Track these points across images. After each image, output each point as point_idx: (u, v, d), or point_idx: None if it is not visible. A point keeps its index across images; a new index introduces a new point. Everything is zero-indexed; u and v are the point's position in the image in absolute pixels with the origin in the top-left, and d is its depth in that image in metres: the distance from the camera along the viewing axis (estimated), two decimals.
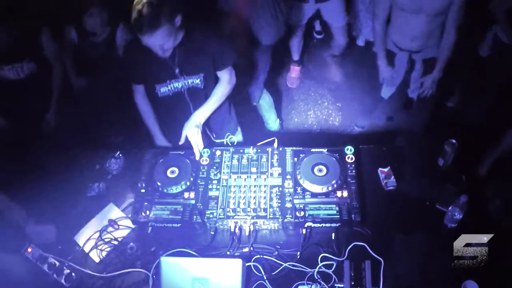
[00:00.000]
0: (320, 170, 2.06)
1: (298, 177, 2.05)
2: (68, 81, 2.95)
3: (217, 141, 2.44)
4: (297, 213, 1.94)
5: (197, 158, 2.17)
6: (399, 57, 2.70)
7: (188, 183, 2.09)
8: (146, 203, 2.04)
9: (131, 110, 2.44)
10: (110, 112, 3.11)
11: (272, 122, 3.51)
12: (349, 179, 2.03)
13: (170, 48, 2.01)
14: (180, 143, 2.19)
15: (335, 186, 2.00)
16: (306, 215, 1.94)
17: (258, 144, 2.21)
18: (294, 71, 3.89)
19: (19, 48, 2.62)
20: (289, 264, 1.88)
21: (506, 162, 2.51)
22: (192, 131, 2.16)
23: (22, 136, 2.80)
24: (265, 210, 1.97)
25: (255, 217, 1.96)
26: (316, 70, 4.02)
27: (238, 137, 2.58)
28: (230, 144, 2.32)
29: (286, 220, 1.94)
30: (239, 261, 1.77)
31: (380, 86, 2.92)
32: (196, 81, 2.20)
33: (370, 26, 3.57)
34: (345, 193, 1.98)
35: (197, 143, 2.16)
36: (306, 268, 1.86)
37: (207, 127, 2.38)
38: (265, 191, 2.03)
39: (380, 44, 2.70)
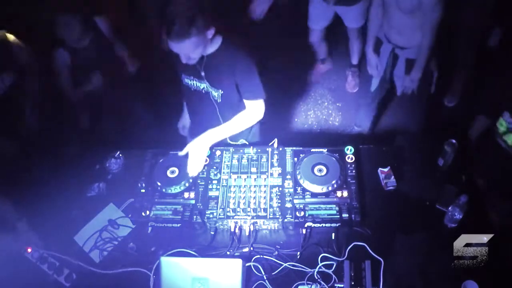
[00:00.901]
0: (320, 170, 2.06)
1: (298, 177, 2.05)
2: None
3: (230, 142, 2.35)
4: (297, 213, 1.94)
5: (190, 175, 2.09)
6: (384, 48, 2.72)
7: (188, 183, 2.08)
8: (146, 203, 2.04)
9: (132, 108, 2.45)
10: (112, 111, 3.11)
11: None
12: (349, 179, 2.03)
13: (196, 58, 1.95)
14: (180, 154, 2.13)
15: (335, 186, 2.00)
16: (306, 215, 1.94)
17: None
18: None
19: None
20: (289, 264, 1.88)
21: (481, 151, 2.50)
22: (196, 151, 2.08)
23: (22, 136, 2.80)
24: (265, 210, 1.97)
25: (255, 217, 1.96)
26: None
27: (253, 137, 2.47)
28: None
29: (286, 220, 1.94)
30: (239, 261, 1.77)
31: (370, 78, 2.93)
32: (215, 93, 2.13)
33: None
34: (345, 193, 1.98)
35: (195, 162, 2.09)
36: (306, 268, 1.86)
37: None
38: (265, 191, 2.03)
39: (373, 29, 2.71)
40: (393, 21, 2.53)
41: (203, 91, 2.17)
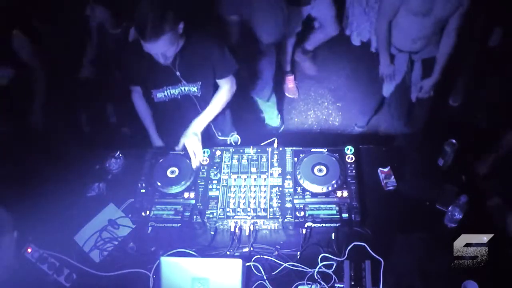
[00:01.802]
0: (320, 170, 2.06)
1: (298, 177, 2.05)
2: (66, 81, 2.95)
3: (221, 138, 2.43)
4: (297, 213, 1.94)
5: (194, 167, 2.13)
6: (399, 58, 2.70)
7: (188, 183, 2.08)
8: (146, 203, 2.04)
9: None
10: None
11: (274, 118, 3.50)
12: (349, 179, 2.03)
13: (172, 56, 2.00)
14: (177, 149, 2.17)
15: (335, 186, 2.00)
16: (306, 215, 1.94)
17: (262, 144, 2.21)
18: (290, 81, 3.84)
19: None
20: (289, 264, 1.88)
21: (505, 161, 2.51)
22: (190, 139, 2.13)
23: (21, 136, 2.81)
24: (265, 210, 1.97)
25: (255, 217, 1.96)
26: (316, 69, 4.02)
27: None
28: (233, 144, 2.31)
29: (286, 220, 1.94)
30: (239, 261, 1.77)
31: (379, 84, 2.91)
32: (193, 89, 2.18)
33: (366, 26, 3.60)
34: (345, 193, 1.98)
35: (195, 152, 2.13)
36: (306, 268, 1.86)
37: (212, 124, 2.35)
38: (265, 191, 2.03)
39: (383, 43, 2.68)
40: (409, 30, 2.51)
41: (179, 96, 2.20)
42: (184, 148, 2.15)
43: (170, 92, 2.18)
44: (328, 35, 3.62)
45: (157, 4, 1.84)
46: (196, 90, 2.19)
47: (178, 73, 2.12)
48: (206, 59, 2.12)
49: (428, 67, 2.67)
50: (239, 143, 2.34)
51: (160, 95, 2.19)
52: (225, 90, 2.26)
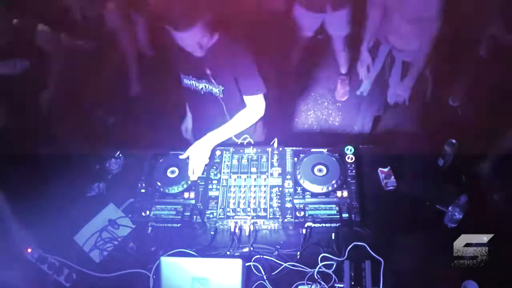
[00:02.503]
0: (320, 170, 2.06)
1: (298, 177, 2.05)
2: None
3: (234, 139, 2.32)
4: (297, 213, 1.94)
5: (191, 178, 2.09)
6: (382, 49, 2.73)
7: (188, 183, 2.09)
8: (146, 203, 2.04)
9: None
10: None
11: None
12: (349, 179, 2.03)
13: (207, 46, 1.94)
14: (181, 157, 2.13)
15: (335, 186, 2.00)
16: (306, 215, 1.94)
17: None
18: (345, 84, 3.81)
19: (12, 44, 2.59)
20: (289, 264, 1.88)
21: (505, 161, 2.50)
22: (197, 154, 2.08)
23: (22, 135, 2.80)
24: (265, 210, 1.97)
25: (255, 217, 1.96)
26: (316, 70, 4.02)
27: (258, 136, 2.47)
28: (244, 143, 2.27)
29: (286, 220, 1.94)
30: (239, 261, 1.77)
31: (380, 88, 2.92)
32: (215, 90, 2.13)
33: None
34: (345, 193, 1.98)
35: (196, 165, 2.08)
36: (306, 268, 1.86)
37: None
38: (265, 191, 2.03)
39: (370, 30, 2.72)
40: (393, 25, 2.53)
41: (202, 91, 2.17)
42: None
43: (194, 84, 2.16)
44: (336, 52, 3.60)
45: None
46: (218, 92, 2.13)
47: (208, 71, 2.07)
48: (230, 66, 2.04)
49: (407, 70, 2.68)
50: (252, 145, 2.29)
51: (186, 81, 2.17)
52: (247, 110, 2.14)
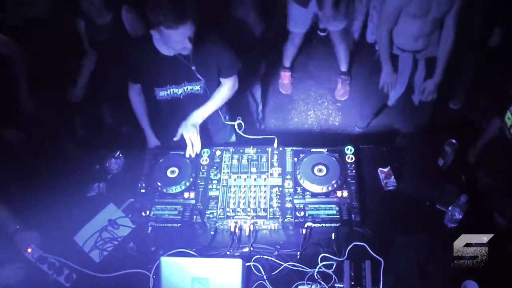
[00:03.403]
0: (320, 170, 2.05)
1: (298, 177, 2.05)
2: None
3: (227, 123, 2.39)
4: (297, 213, 1.94)
5: (187, 155, 2.15)
6: (403, 59, 2.69)
7: (188, 183, 2.08)
8: (146, 203, 2.04)
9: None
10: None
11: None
12: (349, 179, 2.03)
13: (190, 44, 1.96)
14: (175, 139, 2.15)
15: (335, 186, 2.00)
16: (306, 215, 1.94)
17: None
18: (286, 77, 3.82)
19: None
20: (289, 264, 1.88)
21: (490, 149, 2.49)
22: (188, 129, 2.13)
23: (21, 137, 2.81)
24: (265, 210, 1.97)
25: (255, 217, 1.95)
26: (316, 70, 4.02)
27: (232, 139, 2.55)
28: (238, 131, 2.26)
29: (286, 220, 1.94)
30: (239, 261, 1.77)
31: (381, 91, 2.90)
32: (196, 87, 2.18)
33: (370, 27, 3.59)
34: (345, 193, 1.98)
35: (192, 142, 2.13)
36: (306, 268, 1.86)
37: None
38: (265, 191, 2.03)
39: (385, 49, 2.67)
40: (411, 30, 2.52)
41: (181, 96, 2.20)
42: (183, 141, 2.13)
43: (173, 91, 2.18)
44: (337, 47, 3.56)
45: None
46: (199, 89, 2.19)
47: (193, 67, 2.09)
48: (213, 56, 2.11)
49: (431, 66, 2.66)
50: (243, 128, 2.29)
51: (163, 93, 2.18)
52: (228, 87, 2.25)
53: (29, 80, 2.71)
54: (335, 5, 3.08)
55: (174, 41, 1.90)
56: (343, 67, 3.70)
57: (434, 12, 2.41)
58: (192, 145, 2.14)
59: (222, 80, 2.23)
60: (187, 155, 2.16)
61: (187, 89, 2.18)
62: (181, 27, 1.84)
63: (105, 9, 2.69)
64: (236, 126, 2.25)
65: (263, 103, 3.59)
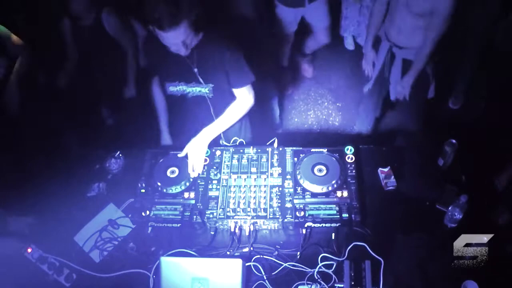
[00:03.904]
0: (320, 170, 2.06)
1: (298, 177, 2.05)
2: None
3: (224, 143, 2.40)
4: (297, 213, 1.94)
5: (191, 176, 2.10)
6: (382, 46, 2.71)
7: (190, 181, 2.09)
8: (146, 203, 2.04)
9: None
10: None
11: None
12: (349, 179, 2.03)
13: (192, 45, 1.95)
14: (179, 155, 2.14)
15: (335, 186, 2.00)
16: (306, 215, 1.94)
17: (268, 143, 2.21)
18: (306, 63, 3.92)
19: None
20: (289, 264, 1.88)
21: None
22: (194, 151, 2.09)
23: (21, 136, 2.81)
24: (265, 210, 1.97)
25: (255, 217, 1.96)
26: (316, 70, 4.02)
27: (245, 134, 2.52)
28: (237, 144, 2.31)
29: (286, 220, 1.94)
30: (239, 261, 1.77)
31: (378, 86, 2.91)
32: (204, 90, 2.15)
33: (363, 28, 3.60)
34: (345, 193, 1.98)
35: (194, 162, 2.10)
36: (306, 268, 1.86)
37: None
38: (265, 191, 2.03)
39: (373, 26, 2.71)
40: (396, 19, 2.51)
41: (190, 95, 2.19)
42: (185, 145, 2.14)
43: (182, 89, 2.16)
44: (320, 43, 3.60)
45: None
46: (208, 92, 2.15)
47: (196, 69, 2.08)
48: (219, 62, 2.05)
49: (408, 68, 2.64)
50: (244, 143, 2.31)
51: (172, 88, 2.17)
52: (240, 102, 2.17)
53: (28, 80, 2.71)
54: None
55: (166, 42, 1.88)
56: (309, 50, 3.77)
57: (412, 5, 2.36)
58: (193, 167, 2.11)
59: (234, 91, 2.17)
60: (191, 176, 2.11)
61: (195, 90, 2.16)
62: (172, 31, 1.80)
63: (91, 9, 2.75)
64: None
65: (280, 108, 3.62)
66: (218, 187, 2.07)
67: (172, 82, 2.16)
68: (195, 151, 2.10)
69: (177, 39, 1.86)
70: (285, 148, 2.20)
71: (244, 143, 2.33)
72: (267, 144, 2.24)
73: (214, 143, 2.30)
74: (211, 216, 1.97)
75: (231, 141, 2.32)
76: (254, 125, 2.51)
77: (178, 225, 2.00)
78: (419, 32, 2.44)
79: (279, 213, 1.95)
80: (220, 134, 2.33)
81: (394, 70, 2.71)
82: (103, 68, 3.01)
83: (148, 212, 2.00)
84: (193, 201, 2.03)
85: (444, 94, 3.45)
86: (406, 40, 2.54)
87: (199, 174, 2.12)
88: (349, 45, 4.03)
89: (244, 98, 2.18)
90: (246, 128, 2.47)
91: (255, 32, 2.84)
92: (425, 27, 2.39)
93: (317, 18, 3.33)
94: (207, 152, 2.19)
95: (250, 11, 2.76)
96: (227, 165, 2.15)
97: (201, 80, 2.12)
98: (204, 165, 2.15)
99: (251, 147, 2.20)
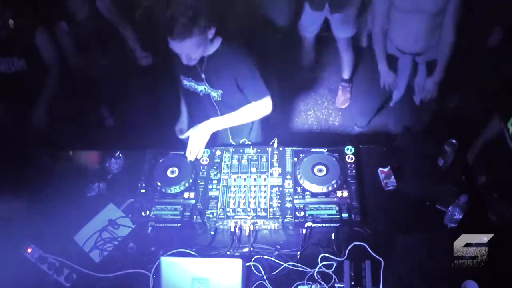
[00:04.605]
0: (320, 170, 2.06)
1: (298, 177, 2.05)
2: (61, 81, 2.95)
3: (232, 142, 2.41)
4: (297, 213, 1.94)
5: (188, 159, 2.13)
6: (402, 61, 2.67)
7: (188, 183, 2.08)
8: (146, 203, 2.04)
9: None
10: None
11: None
12: (349, 179, 2.03)
13: (196, 59, 1.97)
14: (181, 137, 2.16)
15: (335, 186, 2.00)
16: (306, 215, 1.94)
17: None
18: (346, 91, 3.74)
19: (12, 42, 2.59)
20: (289, 264, 1.88)
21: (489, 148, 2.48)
22: (197, 135, 2.10)
23: (22, 136, 2.81)
24: (265, 210, 1.97)
25: (255, 217, 1.96)
26: (316, 70, 4.02)
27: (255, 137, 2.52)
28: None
29: (286, 220, 1.94)
30: (239, 261, 1.77)
31: (379, 87, 2.90)
32: (213, 93, 2.16)
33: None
34: (345, 193, 1.98)
35: (194, 148, 2.11)
36: (306, 268, 1.86)
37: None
38: (265, 191, 2.03)
39: (380, 47, 2.65)
40: (410, 30, 2.48)
41: (201, 94, 2.20)
42: (185, 146, 2.14)
43: (193, 86, 2.19)
44: (345, 59, 3.56)
45: (191, 5, 1.81)
46: (216, 96, 2.17)
47: (203, 75, 2.11)
48: (231, 73, 2.07)
49: (432, 69, 2.64)
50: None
51: (185, 82, 2.20)
52: (257, 106, 2.14)
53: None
54: (344, 10, 3.09)
55: (176, 51, 1.91)
56: (346, 75, 3.68)
57: (426, 7, 2.35)
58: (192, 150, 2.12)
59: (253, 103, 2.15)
60: (188, 159, 2.14)
61: (206, 89, 2.17)
62: (183, 43, 1.84)
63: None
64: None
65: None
66: (218, 187, 2.07)
67: (185, 77, 2.18)
68: (197, 135, 2.10)
69: (180, 50, 1.90)
70: (285, 148, 2.20)
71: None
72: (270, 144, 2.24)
73: (219, 140, 2.30)
74: (211, 216, 1.97)
75: (240, 142, 2.32)
76: (264, 129, 2.50)
77: (178, 225, 2.00)
78: (437, 30, 2.43)
79: (279, 213, 1.95)
80: (228, 134, 2.35)
81: (419, 76, 2.69)
82: (104, 60, 3.01)
83: (148, 212, 2.00)
84: (193, 201, 2.03)
85: (444, 93, 3.44)
86: (426, 45, 2.53)
87: (198, 173, 2.11)
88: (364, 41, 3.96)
89: (261, 105, 2.14)
90: (256, 130, 2.45)
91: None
92: (440, 21, 2.38)
93: (340, 26, 3.25)
94: (207, 152, 2.19)
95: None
96: (227, 165, 2.15)
97: (206, 85, 2.13)
98: (204, 165, 2.15)
99: (251, 147, 2.20)
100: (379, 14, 2.55)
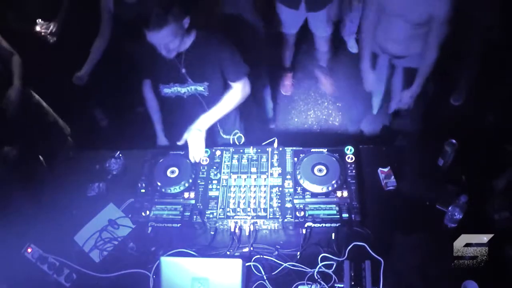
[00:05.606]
0: (320, 170, 2.06)
1: (298, 177, 2.05)
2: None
3: (224, 136, 2.42)
4: (297, 213, 1.94)
5: (191, 159, 2.14)
6: (380, 60, 2.62)
7: (188, 183, 2.08)
8: (146, 203, 2.04)
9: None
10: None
11: None
12: (349, 179, 2.03)
13: (175, 49, 1.99)
14: (179, 143, 2.17)
15: (335, 186, 2.00)
16: (306, 215, 1.94)
17: (263, 144, 2.22)
18: (287, 79, 3.85)
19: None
20: (289, 264, 1.88)
21: None
22: (193, 135, 2.13)
23: (21, 135, 2.81)
24: (265, 210, 1.97)
25: (255, 217, 1.96)
26: (316, 70, 4.02)
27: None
28: (236, 143, 2.32)
29: (286, 220, 1.94)
30: (239, 261, 1.77)
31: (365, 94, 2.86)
32: (200, 88, 2.18)
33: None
34: (345, 193, 1.98)
35: (194, 148, 2.12)
36: (306, 268, 1.86)
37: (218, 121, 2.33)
38: (265, 191, 2.03)
39: (366, 44, 2.60)
40: (391, 31, 2.44)
41: (185, 96, 2.20)
42: (185, 145, 2.14)
43: (177, 90, 2.18)
44: (320, 53, 3.65)
45: None
46: (203, 90, 2.18)
47: (183, 70, 2.11)
48: (214, 61, 2.10)
49: (410, 76, 2.58)
50: (242, 142, 2.33)
51: (167, 90, 2.19)
52: (237, 90, 2.21)
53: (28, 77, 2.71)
54: (319, 9, 3.14)
55: (154, 43, 1.93)
56: (324, 63, 3.79)
57: (407, 17, 2.31)
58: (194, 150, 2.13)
59: (231, 83, 2.21)
60: (191, 159, 2.15)
61: (191, 89, 2.18)
62: (160, 32, 1.86)
63: None
64: (234, 140, 2.30)
65: (274, 103, 3.62)
66: (218, 187, 2.07)
67: (166, 84, 2.18)
68: (194, 137, 2.12)
69: (158, 40, 1.91)
70: (285, 148, 2.20)
71: (243, 138, 2.34)
72: (268, 143, 2.24)
73: (214, 139, 2.30)
74: (211, 216, 1.97)
75: (232, 134, 2.33)
76: (246, 118, 2.55)
77: (178, 225, 2.00)
78: (418, 39, 2.39)
79: (279, 213, 1.95)
80: (218, 128, 2.38)
81: (396, 80, 2.66)
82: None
83: (148, 212, 2.00)
84: (193, 201, 2.03)
85: (445, 90, 3.44)
86: (405, 49, 2.48)
87: (199, 173, 2.11)
88: (352, 48, 3.99)
89: (240, 86, 2.21)
90: (239, 120, 2.51)
91: (254, 31, 2.84)
92: (425, 34, 2.34)
93: (318, 25, 3.32)
94: (207, 152, 2.19)
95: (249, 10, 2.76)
96: (227, 165, 2.15)
97: (191, 81, 2.15)
98: (204, 165, 2.15)
99: (251, 147, 2.20)
100: (369, 13, 2.51)
